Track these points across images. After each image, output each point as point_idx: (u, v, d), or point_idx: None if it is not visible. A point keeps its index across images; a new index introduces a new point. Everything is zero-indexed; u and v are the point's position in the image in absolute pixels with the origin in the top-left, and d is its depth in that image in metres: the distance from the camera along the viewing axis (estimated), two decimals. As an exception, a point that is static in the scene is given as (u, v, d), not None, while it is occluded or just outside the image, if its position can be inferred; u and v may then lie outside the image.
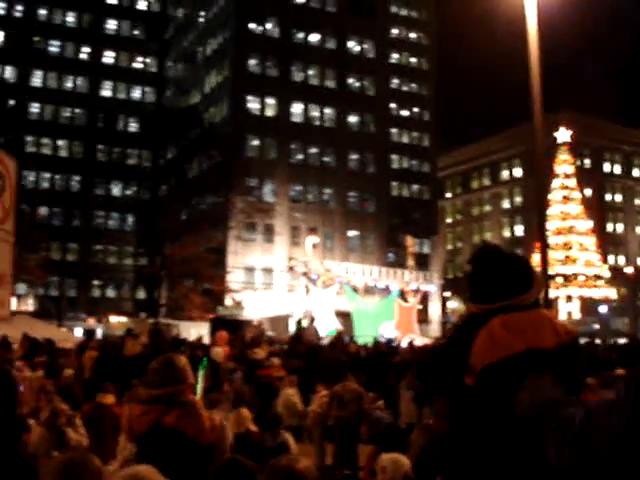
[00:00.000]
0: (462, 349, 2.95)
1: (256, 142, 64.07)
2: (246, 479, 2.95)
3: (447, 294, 73.22)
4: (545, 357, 2.86)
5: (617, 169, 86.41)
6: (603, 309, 63.55)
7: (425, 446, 4.78)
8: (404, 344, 26.85)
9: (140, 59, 77.20)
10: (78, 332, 48.97)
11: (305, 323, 24.10)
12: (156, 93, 77.01)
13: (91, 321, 58.40)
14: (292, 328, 32.17)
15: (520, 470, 2.80)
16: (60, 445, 8.20)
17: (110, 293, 70.68)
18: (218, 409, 9.02)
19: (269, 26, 66.16)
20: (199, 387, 14.58)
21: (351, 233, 66.56)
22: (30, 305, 60.75)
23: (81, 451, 4.41)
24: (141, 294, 69.47)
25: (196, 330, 33.14)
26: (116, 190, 72.72)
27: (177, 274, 53.16)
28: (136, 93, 76.33)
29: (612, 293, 63.34)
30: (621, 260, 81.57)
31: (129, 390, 11.35)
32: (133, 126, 73.67)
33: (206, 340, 23.70)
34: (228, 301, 52.11)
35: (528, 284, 3.07)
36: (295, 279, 40.33)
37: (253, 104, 64.44)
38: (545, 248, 13.58)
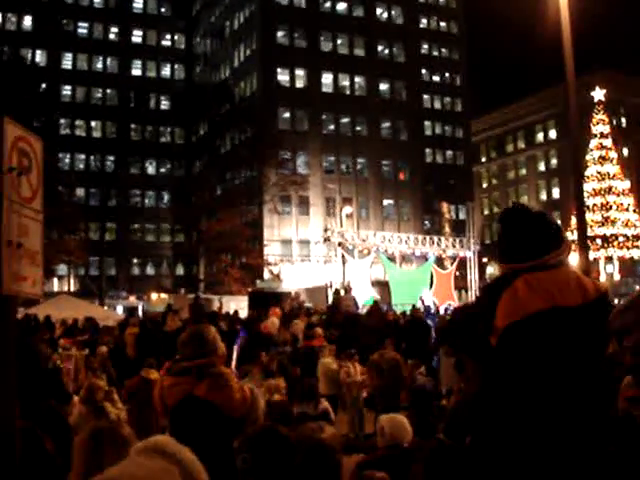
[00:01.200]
0: (488, 310, 2.98)
1: (287, 114, 63.95)
2: (283, 447, 2.99)
3: (485, 260, 72.79)
4: (570, 314, 2.87)
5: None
6: (645, 269, 62.74)
7: (454, 407, 4.80)
8: (442, 311, 26.88)
9: (168, 36, 77.22)
10: (119, 310, 49.73)
11: (343, 293, 24.15)
12: (185, 70, 77.07)
13: (132, 299, 59.21)
14: (330, 298, 32.36)
15: (542, 428, 2.83)
16: (98, 419, 8.38)
17: (149, 270, 71.40)
18: (250, 380, 9.11)
19: (296, -4, 65.73)
20: (234, 358, 14.76)
21: (386, 202, 66.35)
22: (72, 285, 61.78)
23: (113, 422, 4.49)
24: (180, 270, 70.25)
25: (236, 304, 33.39)
26: (151, 168, 73.15)
27: (214, 249, 53.56)
28: (166, 71, 76.50)
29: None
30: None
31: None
32: (164, 104, 73.91)
33: (243, 313, 23.91)
34: (266, 274, 52.40)
35: (555, 244, 3.08)
36: (331, 250, 40.33)
37: (283, 76, 64.23)
38: (582, 210, 13.42)
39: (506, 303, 2.94)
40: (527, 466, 2.83)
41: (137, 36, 75.20)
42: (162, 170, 72.82)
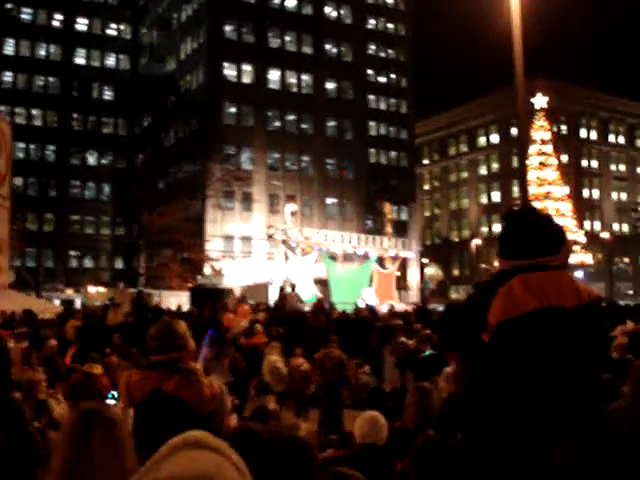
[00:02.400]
0: (482, 306, 3.00)
1: (233, 109, 63.62)
2: (262, 446, 2.95)
3: (425, 261, 73.59)
4: (565, 315, 2.90)
5: (593, 135, 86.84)
6: (579, 274, 64.14)
7: (445, 404, 4.83)
8: (383, 310, 27.05)
9: (114, 26, 75.97)
10: (56, 303, 48.76)
11: (288, 290, 24.12)
12: (131, 60, 75.97)
13: (69, 291, 58.11)
14: (272, 295, 32.28)
15: (529, 427, 2.86)
16: (40, 415, 8.17)
17: (88, 263, 70.27)
18: (216, 376, 9.02)
19: (245, -9, 65.38)
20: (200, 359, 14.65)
21: (329, 200, 66.54)
22: (7, 276, 60.25)
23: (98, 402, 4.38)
24: (119, 264, 69.22)
25: (176, 299, 33.13)
26: (92, 159, 71.96)
27: (155, 243, 53.00)
28: (110, 60, 75.26)
29: (588, 258, 63.95)
30: (597, 226, 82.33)
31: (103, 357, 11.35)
32: (108, 94, 72.72)
33: (185, 309, 23.70)
34: (207, 270, 52.03)
35: (556, 246, 3.12)
36: (274, 247, 40.29)
37: (229, 71, 63.85)
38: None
39: (501, 300, 2.97)
40: (516, 463, 2.86)
41: (82, 24, 73.80)
42: (103, 162, 71.69)
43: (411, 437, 4.80)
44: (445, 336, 3.63)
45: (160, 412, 4.34)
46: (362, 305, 23.57)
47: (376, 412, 5.66)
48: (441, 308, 35.00)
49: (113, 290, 42.61)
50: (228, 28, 64.17)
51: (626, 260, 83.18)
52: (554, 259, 3.09)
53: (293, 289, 24.23)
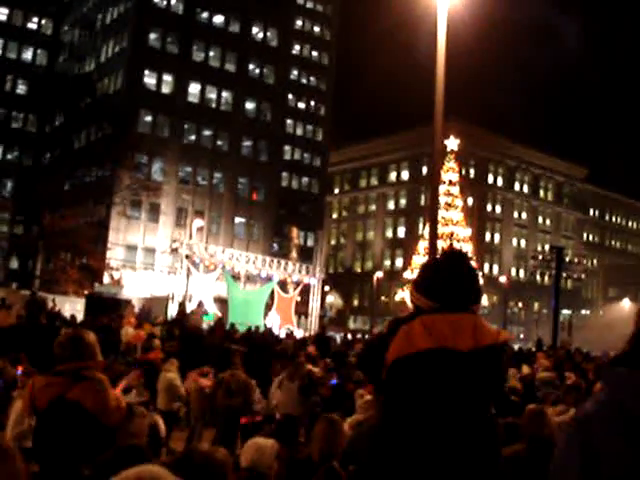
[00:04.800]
0: (384, 343, 3.04)
1: (149, 118, 62.81)
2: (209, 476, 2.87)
3: (327, 288, 73.97)
4: (457, 358, 2.93)
5: (500, 181, 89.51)
6: (474, 315, 65.65)
7: (354, 437, 4.80)
8: (282, 334, 27.02)
9: (35, 19, 73.88)
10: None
11: (190, 306, 23.80)
12: (48, 57, 74.02)
13: (-43, 288, 55.76)
14: (170, 310, 31.79)
15: (429, 464, 2.88)
16: None
17: (-20, 260, 67.58)
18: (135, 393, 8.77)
19: (173, 1, 64.92)
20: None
21: (238, 220, 66.28)
22: None
23: None
24: (14, 264, 66.85)
25: (71, 306, 32.24)
26: (-3, 153, 69.55)
27: (55, 246, 51.41)
28: (27, 54, 73.09)
29: (484, 300, 65.52)
30: (495, 269, 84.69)
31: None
32: (21, 88, 70.53)
33: (78, 317, 23.06)
34: (106, 278, 50.87)
35: (478, 296, 3.18)
36: (177, 261, 39.63)
37: (149, 79, 63.11)
38: (434, 250, 13.89)
39: (398, 339, 3.01)
40: None
41: (2, 14, 71.41)
42: (9, 156, 69.38)
43: (314, 468, 4.76)
44: (361, 369, 3.67)
45: (63, 419, 4.22)
46: (267, 326, 23.47)
47: (266, 439, 5.59)
48: (338, 337, 35.24)
49: (5, 290, 41.10)
50: (152, 36, 63.49)
51: (520, 305, 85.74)
52: (475, 308, 3.16)
53: (200, 306, 23.92)
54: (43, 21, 74.53)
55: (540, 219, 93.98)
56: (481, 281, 3.28)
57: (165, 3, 64.40)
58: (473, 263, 3.40)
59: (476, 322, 3.06)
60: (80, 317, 23.78)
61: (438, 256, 3.72)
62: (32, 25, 73.76)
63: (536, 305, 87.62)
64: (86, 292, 41.69)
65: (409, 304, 3.29)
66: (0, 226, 67.40)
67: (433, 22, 14.89)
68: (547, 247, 73.55)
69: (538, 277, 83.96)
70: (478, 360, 2.96)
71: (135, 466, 2.77)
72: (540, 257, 54.15)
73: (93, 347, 4.56)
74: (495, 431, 3.08)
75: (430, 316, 3.05)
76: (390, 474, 2.94)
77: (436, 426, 2.91)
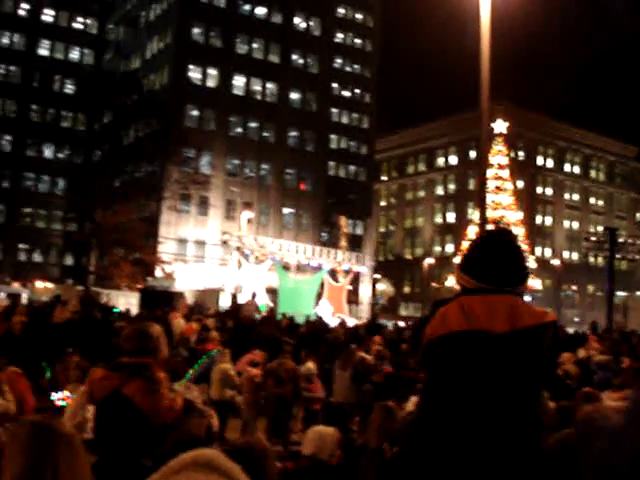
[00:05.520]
0: (422, 325, 3.04)
1: (195, 112, 63.30)
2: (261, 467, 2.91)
3: (377, 276, 73.86)
4: (491, 339, 2.89)
5: (549, 163, 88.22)
6: (527, 299, 64.95)
7: (404, 419, 4.81)
8: (334, 323, 27.08)
9: (80, 19, 75.03)
10: (1, 296, 47.75)
11: (242, 298, 23.99)
12: (95, 55, 75.13)
13: (16, 285, 56.96)
14: (222, 302, 32.09)
15: (456, 450, 2.86)
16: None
17: (37, 257, 69.10)
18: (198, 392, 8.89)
19: (215, -5, 65.22)
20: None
21: (286, 210, 66.50)
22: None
23: (48, 415, 4.27)
24: (69, 260, 68.26)
25: (125, 300, 32.73)
26: (48, 152, 70.93)
27: (107, 242, 52.17)
28: (74, 54, 74.29)
29: (537, 284, 64.73)
30: (547, 252, 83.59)
31: (60, 356, 11.12)
32: (69, 88, 71.73)
33: (132, 311, 23.43)
34: (158, 272, 51.52)
35: (524, 276, 3.14)
36: (228, 253, 40.08)
37: (194, 73, 63.59)
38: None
39: (434, 320, 3.01)
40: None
41: (48, 15, 72.68)
42: (60, 155, 70.72)
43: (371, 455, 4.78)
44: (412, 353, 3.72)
45: (116, 415, 4.28)
46: (319, 315, 23.53)
47: (327, 427, 5.61)
48: (390, 324, 35.23)
49: (61, 286, 42.00)
50: (196, 30, 63.91)
51: (574, 288, 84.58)
52: (520, 288, 3.11)
53: (253, 297, 24.07)
54: (88, 21, 75.59)
55: (592, 200, 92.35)
56: (530, 262, 3.24)
57: (207, -3, 64.70)
58: (520, 243, 3.35)
59: (514, 303, 3.01)
60: (134, 311, 24.19)
61: (482, 234, 3.66)
62: (78, 25, 74.90)
63: (590, 288, 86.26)
64: (139, 286, 42.31)
65: (456, 285, 3.26)
66: (54, 224, 68.80)
67: (477, 3, 14.71)
68: (600, 228, 72.42)
69: (591, 259, 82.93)
70: (515, 343, 2.90)
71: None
72: (593, 239, 53.23)
73: (157, 341, 4.59)
74: (535, 417, 3.00)
75: (468, 297, 3.04)
76: (424, 457, 2.93)
77: (469, 409, 2.88)
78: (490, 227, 60.65)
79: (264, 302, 31.64)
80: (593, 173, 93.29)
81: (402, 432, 4.30)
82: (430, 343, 2.96)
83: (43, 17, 72.41)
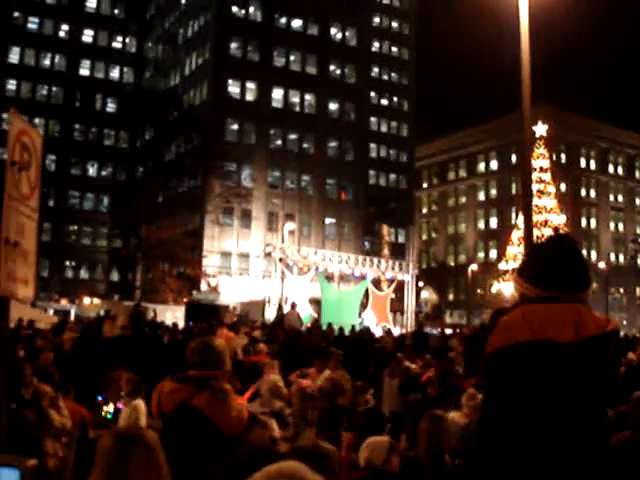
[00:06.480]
0: (485, 336, 3.00)
1: (235, 126, 63.80)
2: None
3: (421, 284, 73.49)
4: (557, 349, 2.86)
5: (592, 164, 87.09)
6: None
7: (465, 433, 4.81)
8: (379, 332, 27.00)
9: (119, 38, 76.37)
10: (50, 313, 48.51)
11: (286, 309, 24.06)
12: (135, 74, 76.30)
13: (64, 302, 57.91)
14: (267, 314, 32.20)
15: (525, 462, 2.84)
16: (42, 427, 8.09)
17: (83, 274, 70.18)
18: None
19: (251, 10, 65.78)
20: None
21: (328, 220, 66.59)
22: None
23: (133, 427, 4.37)
24: (115, 276, 69.15)
25: (172, 314, 33.02)
26: (92, 170, 72.17)
27: (153, 256, 52.84)
28: (114, 73, 75.57)
29: (584, 287, 63.78)
30: (593, 255, 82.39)
31: (111, 371, 11.26)
32: (111, 106, 72.97)
33: (179, 324, 23.62)
34: (203, 285, 51.94)
35: (587, 282, 3.09)
36: (271, 265, 40.15)
37: (233, 88, 64.13)
38: (530, 239, 13.64)
39: (498, 330, 2.97)
40: None
41: (88, 35, 74.14)
42: (103, 173, 71.88)
43: (422, 465, 4.78)
44: (466, 363, 3.67)
45: (186, 426, 4.36)
46: (364, 324, 23.49)
47: (383, 437, 5.62)
48: (436, 332, 35.01)
49: (108, 302, 42.49)
50: (233, 45, 64.50)
51: (621, 291, 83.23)
52: (584, 294, 3.05)
53: (293, 308, 24.13)
54: (127, 39, 76.86)
55: (637, 201, 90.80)
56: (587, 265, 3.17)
57: (244, 12, 65.32)
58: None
59: (580, 312, 2.96)
60: (181, 324, 24.40)
61: (544, 240, 3.58)
62: (117, 44, 76.22)
63: (638, 290, 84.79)
64: (185, 300, 42.68)
65: (513, 295, 3.23)
66: (99, 241, 69.83)
67: (515, 6, 14.62)
68: (646, 229, 71.46)
69: (639, 261, 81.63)
70: (581, 353, 2.86)
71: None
72: (640, 240, 52.36)
73: (221, 354, 4.69)
74: (605, 428, 2.98)
75: (531, 306, 2.98)
76: (496, 469, 2.87)
77: (541, 420, 2.83)
78: (544, 234, 60.03)
79: (308, 313, 31.65)
80: (637, 174, 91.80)
81: (464, 443, 4.29)
82: (495, 354, 2.92)
83: (83, 38, 73.83)
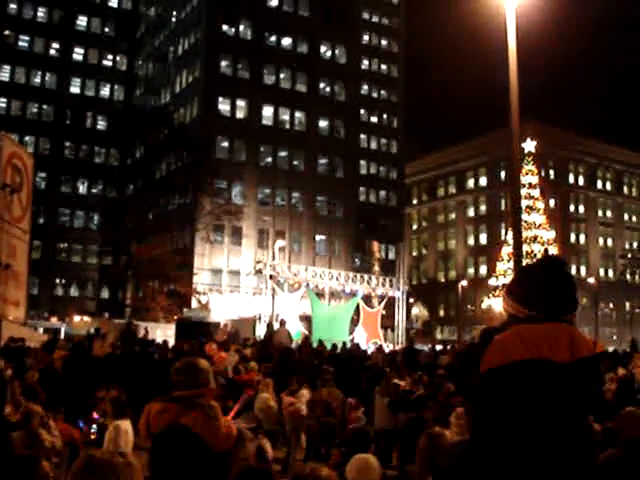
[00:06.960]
0: (477, 355, 3.00)
1: (225, 144, 63.88)
2: None
3: (411, 300, 73.48)
4: (554, 369, 2.88)
5: (581, 180, 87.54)
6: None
7: (453, 449, 4.78)
8: (370, 349, 26.96)
9: (110, 57, 76.52)
10: (40, 331, 48.19)
11: (276, 326, 24.01)
12: (125, 91, 76.40)
13: (53, 320, 57.63)
14: (258, 331, 32.10)
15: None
16: (31, 447, 8.03)
17: (73, 292, 69.94)
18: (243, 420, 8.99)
19: (241, 28, 66.04)
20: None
21: (318, 237, 66.62)
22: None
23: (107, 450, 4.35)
24: (105, 294, 68.93)
25: (162, 331, 32.88)
26: (82, 188, 72.11)
27: (143, 274, 52.69)
28: (105, 91, 75.62)
29: (573, 303, 63.85)
30: (583, 271, 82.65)
31: (99, 390, 11.21)
32: (101, 124, 73.06)
33: (170, 342, 23.51)
34: (194, 303, 51.81)
35: (575, 304, 3.12)
36: (262, 282, 40.09)
37: (223, 106, 64.26)
38: (520, 257, 13.69)
39: (492, 349, 2.97)
40: None
41: (78, 53, 74.26)
42: (94, 191, 71.82)
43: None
44: (452, 380, 3.67)
45: (176, 445, 4.37)
46: (355, 341, 23.44)
47: (368, 455, 5.60)
48: (426, 348, 34.93)
49: (98, 320, 42.30)
50: (224, 63, 64.68)
51: (611, 306, 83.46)
52: (572, 317, 3.08)
53: (283, 325, 24.09)
54: (117, 57, 77.03)
55: (626, 216, 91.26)
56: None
57: (234, 30, 65.55)
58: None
59: (572, 333, 3.00)
60: (172, 342, 24.29)
61: (533, 262, 3.58)
62: (107, 62, 76.38)
63: (627, 305, 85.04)
64: (176, 317, 42.53)
65: (502, 312, 3.23)
66: (90, 258, 69.67)
67: (503, 24, 14.77)
68: (635, 245, 71.67)
69: (628, 276, 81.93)
70: (575, 373, 2.89)
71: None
72: (629, 255, 52.57)
73: (207, 374, 4.76)
74: (591, 444, 3.00)
75: (525, 326, 2.99)
76: None
77: (531, 439, 2.84)
78: (533, 250, 60.02)
79: (298, 329, 31.57)
80: (626, 189, 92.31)
81: (449, 460, 4.27)
82: (490, 373, 2.92)
83: (74, 56, 73.95)
